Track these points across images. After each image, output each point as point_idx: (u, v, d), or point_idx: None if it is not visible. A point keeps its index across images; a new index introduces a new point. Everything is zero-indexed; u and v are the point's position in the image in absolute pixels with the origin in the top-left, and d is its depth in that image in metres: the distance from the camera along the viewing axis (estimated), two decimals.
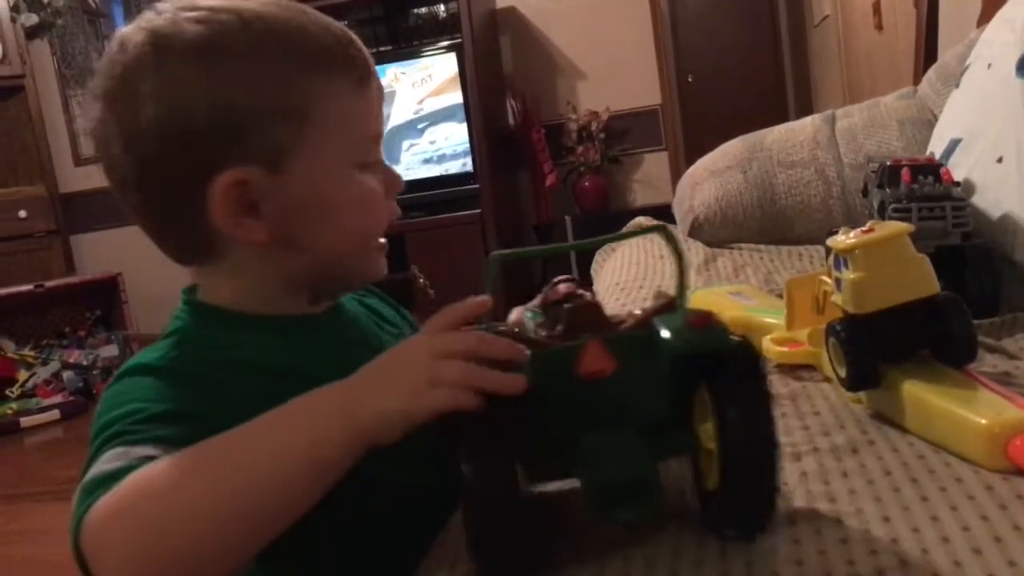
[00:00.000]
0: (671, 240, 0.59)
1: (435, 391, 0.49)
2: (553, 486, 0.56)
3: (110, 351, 3.75)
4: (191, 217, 0.60)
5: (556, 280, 0.61)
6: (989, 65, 1.23)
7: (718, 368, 0.51)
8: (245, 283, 0.64)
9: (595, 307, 0.57)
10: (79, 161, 4.44)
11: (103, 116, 0.61)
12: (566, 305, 0.57)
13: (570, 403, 0.51)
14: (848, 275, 0.68)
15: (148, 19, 0.61)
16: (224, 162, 0.58)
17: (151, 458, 0.51)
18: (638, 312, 0.57)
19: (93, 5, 4.36)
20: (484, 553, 0.50)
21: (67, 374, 3.62)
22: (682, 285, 0.58)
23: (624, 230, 0.58)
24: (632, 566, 0.51)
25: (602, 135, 3.86)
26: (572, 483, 0.53)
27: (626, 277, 1.46)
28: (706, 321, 0.51)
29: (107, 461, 0.52)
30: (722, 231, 1.62)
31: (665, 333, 0.51)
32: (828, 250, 0.73)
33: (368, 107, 0.65)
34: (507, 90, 4.01)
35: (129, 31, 0.61)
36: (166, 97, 0.58)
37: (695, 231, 1.65)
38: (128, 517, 0.48)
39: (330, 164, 0.62)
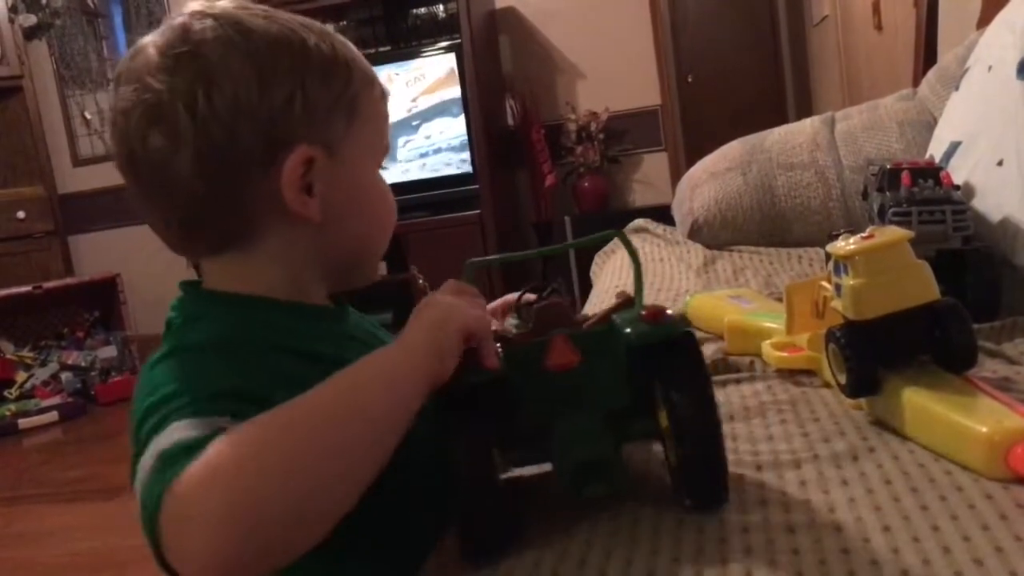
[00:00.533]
0: (627, 244, 0.68)
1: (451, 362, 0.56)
2: (530, 470, 0.63)
3: (109, 352, 3.74)
4: (245, 198, 0.62)
5: (525, 288, 0.70)
6: (989, 67, 1.22)
7: (664, 357, 0.56)
8: (278, 269, 0.65)
9: (560, 306, 0.64)
10: (78, 162, 4.44)
11: (156, 100, 0.60)
12: (534, 305, 0.65)
13: (541, 393, 0.58)
14: (848, 281, 0.68)
15: (207, 9, 0.63)
16: (296, 140, 0.62)
17: (223, 430, 0.50)
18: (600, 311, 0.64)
19: (92, 6, 4.36)
20: (464, 529, 0.56)
21: (66, 375, 3.61)
22: (639, 284, 0.66)
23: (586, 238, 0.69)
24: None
25: (601, 135, 3.85)
26: (546, 467, 0.60)
27: (625, 279, 1.46)
28: (657, 315, 0.57)
29: (180, 430, 0.51)
30: (722, 233, 1.62)
31: (622, 327, 0.57)
32: (828, 255, 0.73)
33: (386, 118, 0.71)
34: (506, 90, 4.01)
35: (187, 20, 0.62)
36: (253, 76, 0.60)
37: (695, 233, 1.64)
38: (225, 480, 0.46)
39: (366, 158, 0.68)
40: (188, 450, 0.48)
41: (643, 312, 0.57)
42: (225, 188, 0.61)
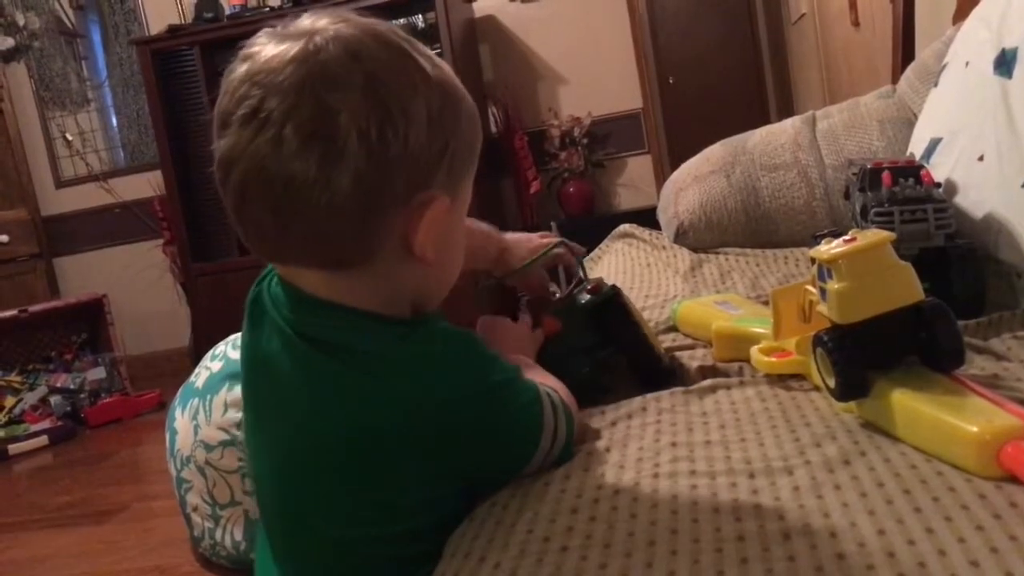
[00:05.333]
0: (571, 249, 1.05)
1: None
2: None
3: (97, 374, 3.71)
4: (375, 228, 0.64)
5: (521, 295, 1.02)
6: (967, 63, 1.23)
7: (608, 309, 0.94)
8: (382, 293, 0.68)
9: (543, 297, 1.01)
10: (60, 183, 4.41)
11: (326, 115, 0.59)
12: (525, 299, 1.01)
13: (555, 343, 0.94)
14: (833, 285, 0.68)
15: (373, 29, 0.64)
16: (435, 187, 0.65)
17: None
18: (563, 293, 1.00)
19: (70, 26, 4.34)
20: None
21: (54, 399, 3.58)
22: (583, 270, 1.03)
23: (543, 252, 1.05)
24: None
25: (585, 140, 3.86)
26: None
27: (612, 277, 1.46)
28: (597, 288, 0.95)
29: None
30: (707, 236, 1.62)
31: (579, 300, 0.95)
32: (813, 259, 0.73)
33: None
34: (488, 98, 4.01)
35: (355, 35, 0.63)
36: (424, 121, 0.63)
37: (680, 237, 1.65)
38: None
39: (464, 208, 0.72)
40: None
41: (588, 287, 0.95)
42: (363, 215, 0.62)
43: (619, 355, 0.95)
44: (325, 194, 0.60)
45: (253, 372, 0.75)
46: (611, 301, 0.94)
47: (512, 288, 1.04)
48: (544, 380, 0.78)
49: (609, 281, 0.97)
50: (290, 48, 0.61)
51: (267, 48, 0.62)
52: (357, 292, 0.67)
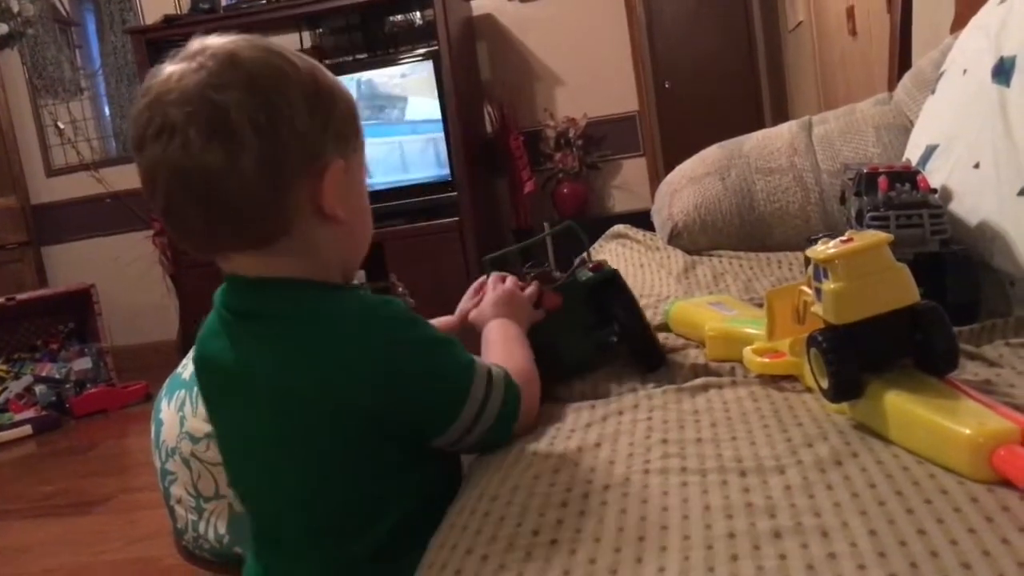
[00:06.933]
0: (580, 235, 1.09)
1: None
2: None
3: (83, 364, 3.69)
4: (289, 201, 0.73)
5: (527, 269, 1.04)
6: (964, 71, 1.23)
7: (608, 290, 0.98)
8: (308, 261, 0.76)
9: (547, 274, 1.03)
10: (51, 172, 4.38)
11: (219, 114, 0.69)
12: (531, 274, 1.01)
13: (555, 318, 0.97)
14: (828, 285, 0.68)
15: (249, 41, 0.74)
16: (328, 155, 0.74)
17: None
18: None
19: (64, 14, 4.31)
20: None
21: (40, 388, 3.56)
22: (587, 253, 1.07)
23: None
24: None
25: (580, 141, 3.86)
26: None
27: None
28: (599, 267, 1.00)
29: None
30: (701, 238, 1.62)
31: (580, 278, 0.99)
32: (808, 260, 0.73)
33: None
34: (485, 97, 4.00)
35: (232, 49, 0.72)
36: (302, 103, 0.72)
37: (674, 238, 1.64)
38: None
39: (361, 169, 0.82)
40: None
41: (590, 266, 1.00)
42: (272, 191, 0.71)
43: (615, 335, 0.98)
44: (235, 178, 0.69)
45: (202, 373, 0.85)
46: (611, 281, 0.98)
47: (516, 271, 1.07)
48: (508, 355, 0.86)
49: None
50: (178, 68, 0.71)
51: (160, 75, 0.72)
52: (286, 264, 0.76)
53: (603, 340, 0.98)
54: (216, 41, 0.73)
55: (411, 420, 0.75)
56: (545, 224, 3.76)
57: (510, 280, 0.99)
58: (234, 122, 0.69)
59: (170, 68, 0.72)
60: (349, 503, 0.76)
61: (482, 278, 1.03)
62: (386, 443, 0.75)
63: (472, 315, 0.98)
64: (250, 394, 0.77)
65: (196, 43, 0.73)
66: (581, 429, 0.77)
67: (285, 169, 0.72)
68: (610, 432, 0.74)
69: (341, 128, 0.76)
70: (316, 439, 0.75)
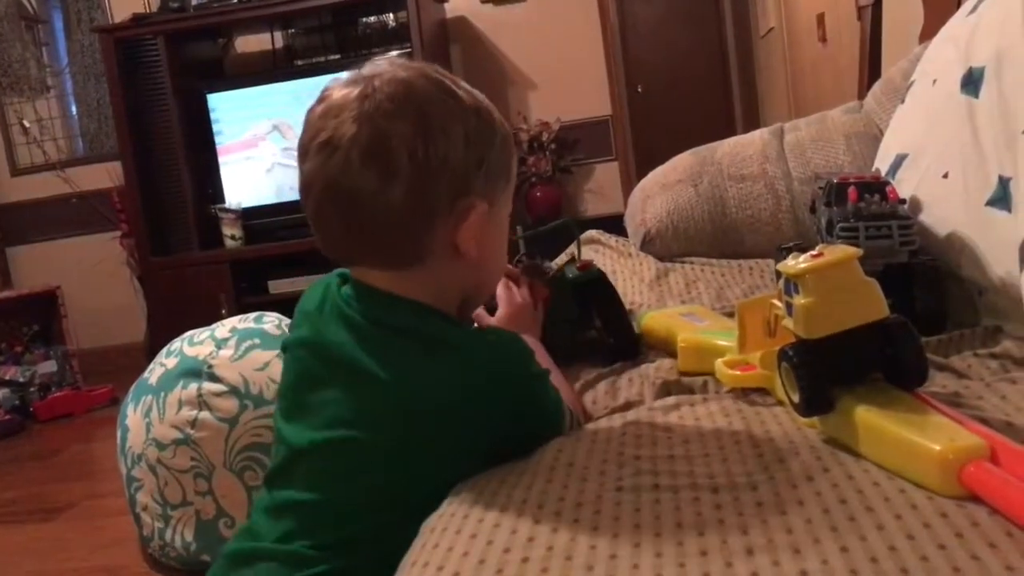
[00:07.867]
0: (575, 233, 1.23)
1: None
2: None
3: (48, 367, 3.63)
4: (427, 231, 0.77)
5: (518, 258, 1.08)
6: (934, 81, 1.24)
7: (594, 288, 1.06)
8: (436, 286, 0.81)
9: (537, 266, 1.07)
10: (16, 171, 4.30)
11: (381, 139, 0.73)
12: (521, 265, 1.06)
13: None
14: (799, 300, 0.68)
15: (421, 70, 0.78)
16: (475, 195, 0.78)
17: None
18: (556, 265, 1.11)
19: (31, 11, 4.24)
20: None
21: (3, 391, 3.49)
22: (579, 250, 1.19)
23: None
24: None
25: (553, 145, 3.86)
26: None
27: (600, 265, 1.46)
28: (587, 266, 1.07)
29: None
30: (673, 244, 1.62)
31: (568, 275, 1.05)
32: (779, 273, 0.73)
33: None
34: None
35: (408, 77, 0.77)
36: (461, 138, 0.77)
37: (647, 245, 1.65)
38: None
39: (505, 210, 0.86)
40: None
41: (579, 264, 1.06)
42: (415, 223, 0.76)
43: (596, 333, 1.05)
44: (382, 204, 0.74)
45: (314, 358, 0.84)
46: (597, 281, 1.05)
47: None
48: (560, 384, 0.90)
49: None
50: (353, 90, 0.76)
51: (337, 91, 0.77)
52: (413, 288, 0.80)
53: (585, 336, 1.05)
54: (390, 68, 0.78)
55: (514, 444, 0.77)
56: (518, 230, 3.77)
57: (520, 293, 1.03)
58: (394, 151, 0.73)
59: (349, 85, 0.76)
60: (418, 498, 0.75)
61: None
62: (478, 457, 0.77)
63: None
64: (369, 389, 0.78)
65: (368, 68, 0.78)
66: (553, 448, 0.76)
67: (431, 202, 0.76)
68: (583, 449, 0.74)
69: (494, 168, 0.80)
70: (424, 448, 0.77)
